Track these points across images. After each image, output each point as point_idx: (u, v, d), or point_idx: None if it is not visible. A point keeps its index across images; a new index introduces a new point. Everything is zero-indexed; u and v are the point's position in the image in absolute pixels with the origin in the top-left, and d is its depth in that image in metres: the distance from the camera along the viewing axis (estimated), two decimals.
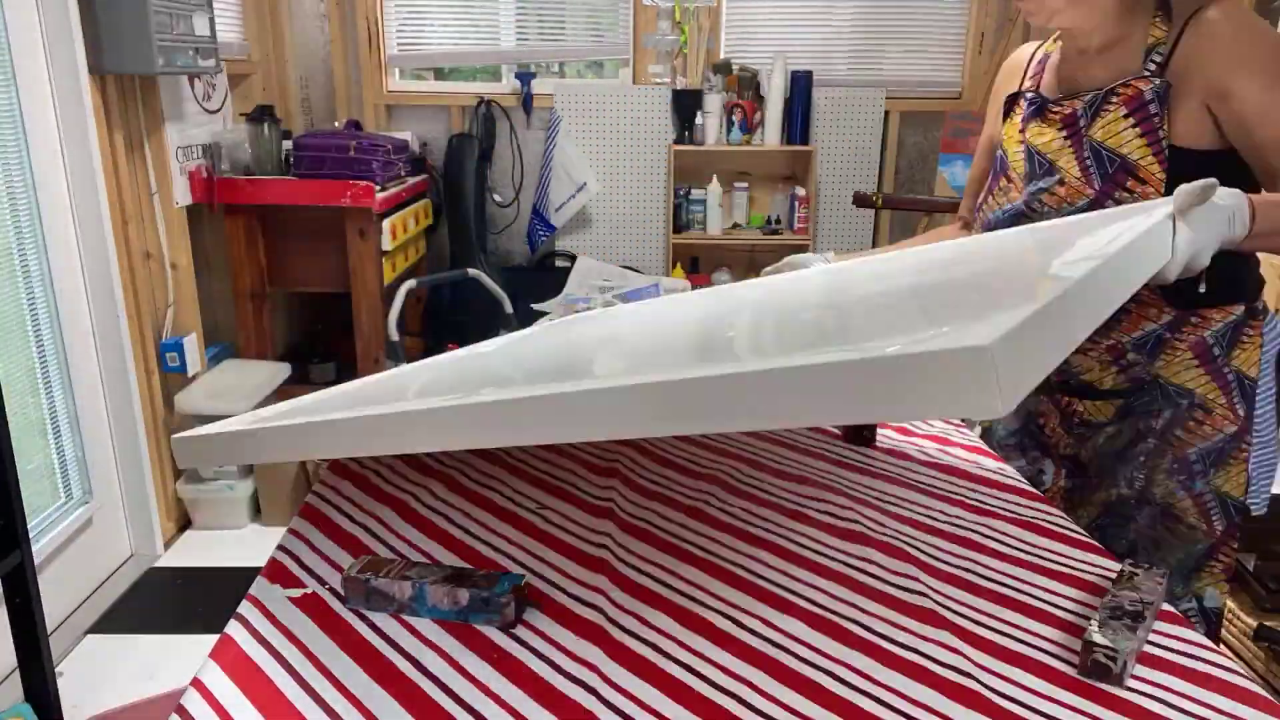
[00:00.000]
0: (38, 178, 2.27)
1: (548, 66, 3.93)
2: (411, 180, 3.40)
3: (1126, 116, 1.20)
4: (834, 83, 3.85)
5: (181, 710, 0.80)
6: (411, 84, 3.92)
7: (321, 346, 3.52)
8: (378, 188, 2.99)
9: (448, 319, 3.82)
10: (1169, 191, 1.13)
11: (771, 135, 3.71)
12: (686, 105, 3.69)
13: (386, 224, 3.11)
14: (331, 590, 0.96)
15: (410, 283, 2.87)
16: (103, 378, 2.54)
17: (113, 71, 2.43)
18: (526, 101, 3.78)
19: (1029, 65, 1.39)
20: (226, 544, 2.79)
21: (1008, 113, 1.37)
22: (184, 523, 2.87)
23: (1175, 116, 1.18)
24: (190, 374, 2.79)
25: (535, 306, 3.48)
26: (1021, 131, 1.32)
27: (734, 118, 3.71)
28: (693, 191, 3.81)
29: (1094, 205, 1.23)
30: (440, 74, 3.96)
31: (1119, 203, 1.20)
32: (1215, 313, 1.23)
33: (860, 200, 3.70)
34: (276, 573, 1.00)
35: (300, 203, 2.98)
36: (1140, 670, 0.87)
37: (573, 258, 3.82)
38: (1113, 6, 1.20)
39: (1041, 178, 1.28)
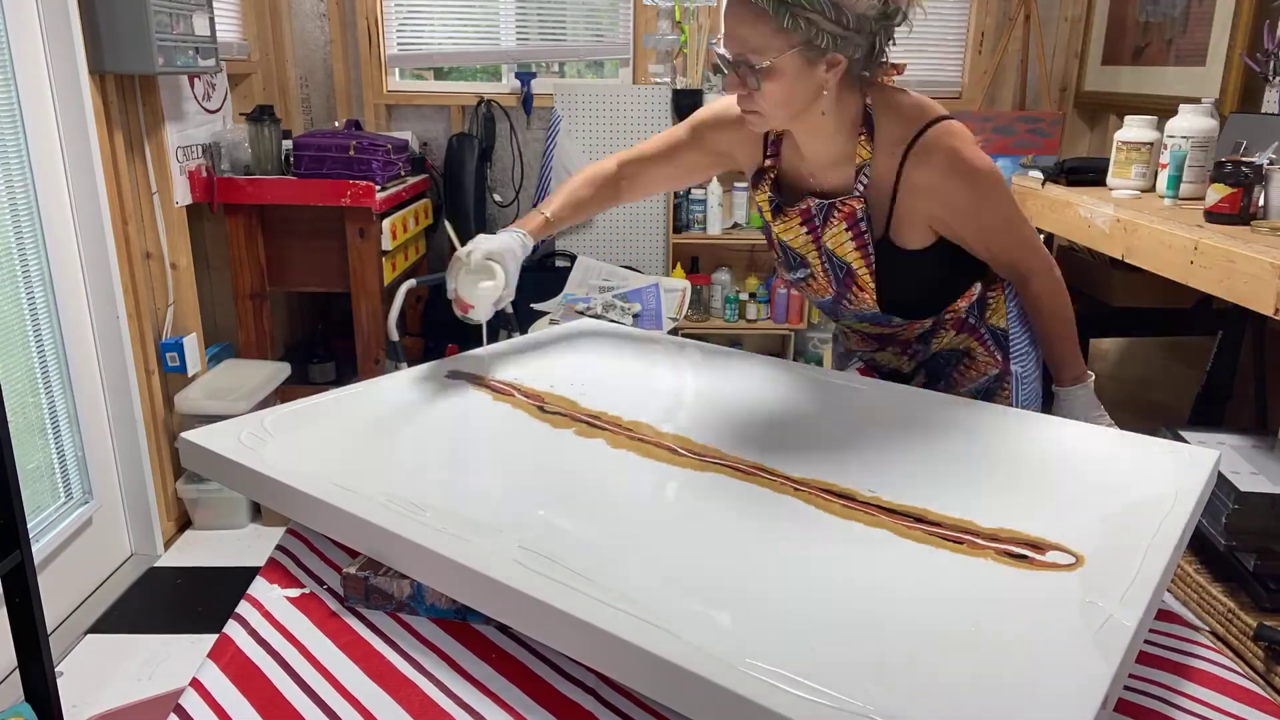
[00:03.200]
0: (38, 178, 2.27)
1: (548, 66, 3.93)
2: (411, 180, 3.40)
3: (847, 229, 1.34)
4: None
5: (180, 710, 0.80)
6: (411, 84, 3.92)
7: (321, 346, 3.52)
8: (378, 187, 2.99)
9: (448, 319, 3.81)
10: (881, 284, 1.37)
11: None
12: (686, 105, 3.69)
13: (386, 224, 3.11)
14: (330, 590, 0.96)
15: (410, 282, 2.87)
16: (103, 378, 2.54)
17: (113, 71, 2.43)
18: (526, 101, 3.78)
19: (766, 138, 1.44)
20: (226, 544, 2.79)
21: (755, 183, 1.46)
22: (184, 523, 2.87)
23: (899, 230, 1.33)
24: (190, 374, 2.79)
25: (535, 306, 3.48)
26: (772, 220, 1.44)
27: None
28: (693, 191, 3.81)
29: (836, 300, 1.44)
30: (440, 74, 3.96)
31: (850, 301, 1.42)
32: (960, 300, 1.44)
33: None
34: (275, 573, 1.00)
35: (300, 202, 2.98)
36: (1140, 670, 0.87)
37: (573, 258, 3.81)
38: (834, 124, 1.30)
39: (798, 268, 1.45)
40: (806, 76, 1.21)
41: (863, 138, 1.30)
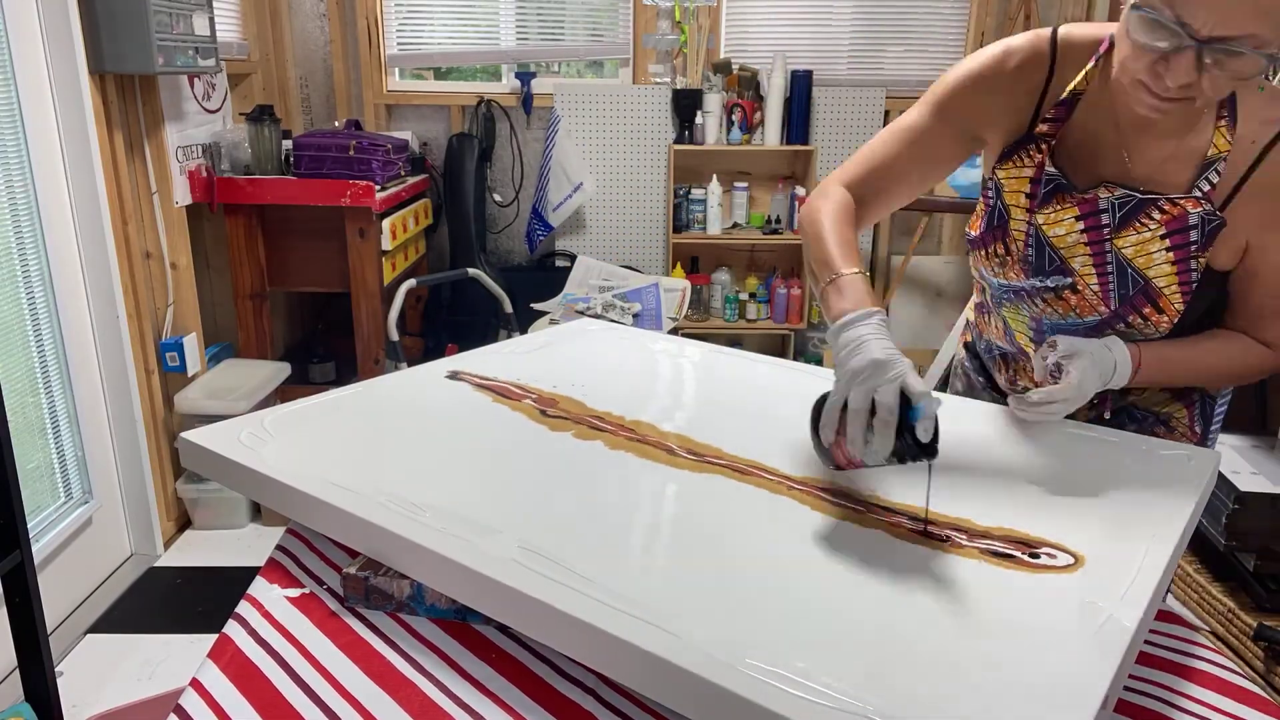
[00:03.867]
0: (38, 178, 2.27)
1: (547, 66, 3.93)
2: (411, 180, 3.40)
3: (1164, 237, 1.06)
4: (834, 82, 3.85)
5: (180, 710, 0.80)
6: (411, 84, 3.92)
7: (321, 346, 3.52)
8: (378, 187, 2.99)
9: (448, 319, 3.82)
10: (1181, 320, 1.10)
11: (771, 135, 3.71)
12: (686, 105, 3.69)
13: (386, 224, 3.11)
14: (330, 590, 0.96)
15: (410, 282, 2.87)
16: (103, 378, 2.54)
17: (113, 71, 2.43)
18: (526, 101, 3.78)
19: (1047, 87, 1.11)
20: (226, 544, 2.79)
21: (1013, 154, 1.14)
22: (184, 523, 2.87)
23: (1218, 249, 1.07)
24: (190, 374, 2.79)
25: (535, 306, 3.48)
26: (1031, 201, 1.13)
27: (734, 117, 3.70)
28: (692, 191, 3.81)
29: (1101, 325, 1.14)
30: (440, 74, 3.96)
31: (1129, 327, 1.12)
32: None
33: None
34: (275, 573, 1.00)
35: (300, 202, 2.98)
36: (1140, 670, 0.87)
37: (572, 257, 3.81)
38: (1198, 108, 1.01)
39: (1050, 274, 1.14)
40: None
41: (1223, 123, 1.03)
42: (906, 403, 0.88)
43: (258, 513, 2.91)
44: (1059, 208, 1.11)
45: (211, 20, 2.72)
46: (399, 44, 3.83)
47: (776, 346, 3.97)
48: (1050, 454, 1.10)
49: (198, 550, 2.76)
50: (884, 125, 3.89)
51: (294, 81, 3.69)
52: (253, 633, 0.89)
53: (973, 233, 1.22)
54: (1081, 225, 1.11)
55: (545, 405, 1.23)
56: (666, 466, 1.05)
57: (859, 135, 3.86)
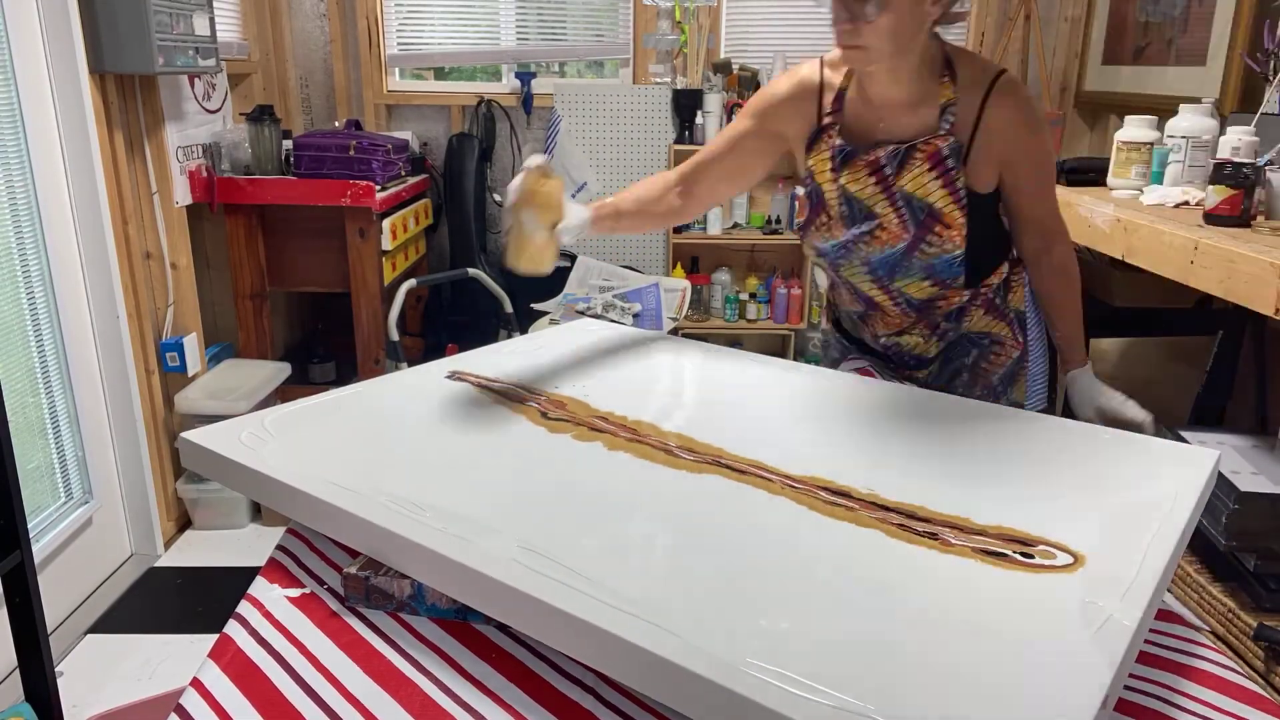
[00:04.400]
0: (38, 178, 2.27)
1: (548, 66, 3.93)
2: (411, 180, 3.40)
3: (930, 170, 1.36)
4: None
5: (180, 710, 0.80)
6: (411, 84, 3.92)
7: (321, 346, 3.52)
8: (378, 187, 2.99)
9: (448, 319, 3.82)
10: (972, 222, 1.38)
11: None
12: (687, 105, 3.69)
13: (386, 224, 3.11)
14: (330, 590, 0.96)
15: (410, 282, 2.87)
16: (103, 378, 2.54)
17: (113, 71, 2.43)
18: (526, 101, 3.78)
19: (821, 95, 1.46)
20: (226, 544, 2.79)
21: (812, 145, 1.46)
22: (184, 523, 2.87)
23: (973, 170, 1.37)
24: (190, 374, 2.79)
25: (535, 306, 3.48)
26: (834, 174, 1.43)
27: (734, 117, 3.70)
28: None
29: (909, 248, 1.41)
30: (440, 74, 3.96)
31: (929, 244, 1.40)
32: (993, 276, 1.49)
33: None
34: (275, 573, 1.00)
35: (300, 202, 2.98)
36: (1140, 670, 0.87)
37: (572, 257, 3.81)
38: (918, 66, 1.35)
39: (862, 221, 1.43)
40: (916, 11, 1.28)
41: (946, 79, 1.36)
42: None
43: (258, 513, 2.91)
44: (854, 172, 1.41)
45: (211, 20, 2.72)
46: (399, 44, 3.83)
47: (776, 346, 3.97)
48: (1050, 453, 1.10)
49: (198, 550, 2.76)
50: None
51: (294, 81, 3.69)
52: (253, 632, 0.89)
53: (801, 220, 1.53)
54: (873, 179, 1.40)
55: (551, 407, 1.23)
56: (666, 467, 1.05)
57: None
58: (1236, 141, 1.94)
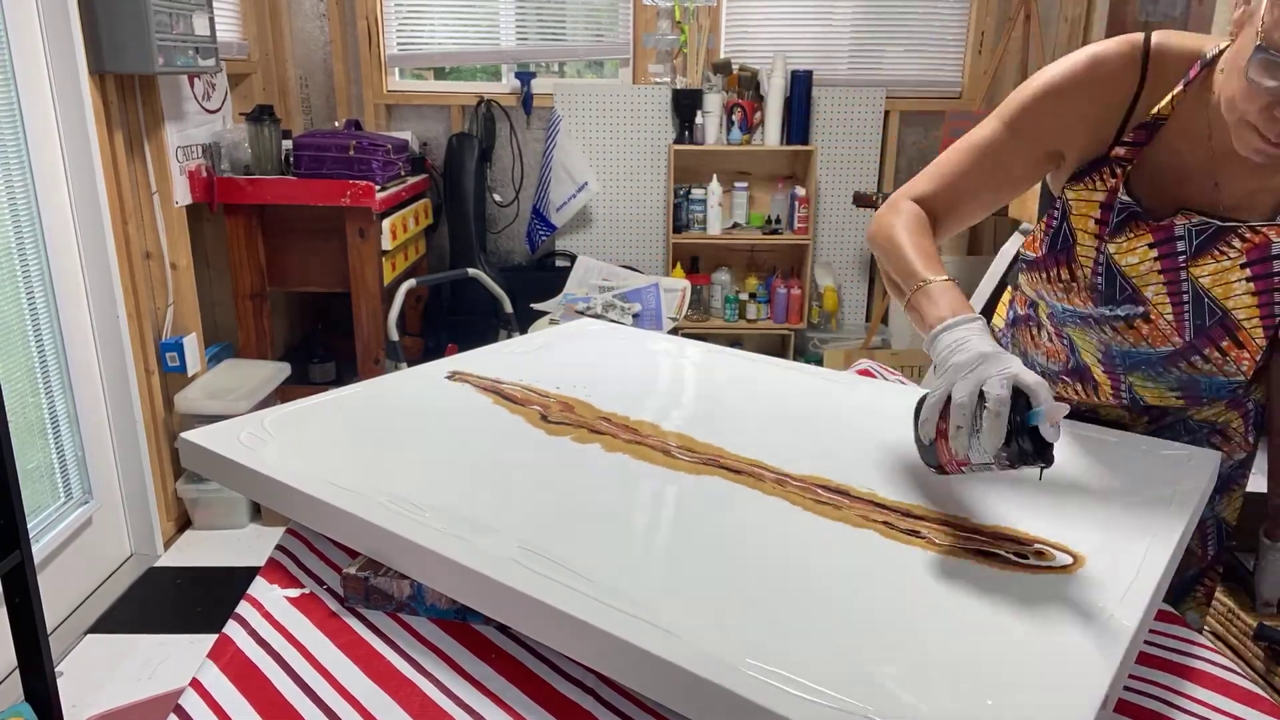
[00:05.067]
0: (38, 178, 2.27)
1: (548, 66, 3.93)
2: (411, 180, 3.40)
3: (1244, 266, 1.01)
4: (834, 83, 3.85)
5: (180, 710, 0.80)
6: (411, 84, 3.92)
7: (321, 346, 3.52)
8: (378, 187, 2.99)
9: (448, 319, 3.82)
10: (1267, 352, 1.06)
11: (771, 135, 3.71)
12: (686, 105, 3.69)
13: (386, 224, 3.11)
14: (330, 590, 0.96)
15: (410, 282, 2.87)
16: (103, 378, 2.54)
17: (113, 71, 2.43)
18: (526, 101, 3.78)
19: (1130, 116, 1.03)
20: (226, 544, 2.79)
21: (1084, 175, 1.06)
22: (184, 523, 2.87)
23: None
24: (190, 374, 2.79)
25: (535, 306, 3.48)
26: (1101, 227, 1.06)
27: (734, 117, 3.70)
28: (693, 191, 3.81)
29: (1174, 357, 1.09)
30: (440, 74, 3.96)
31: (1204, 360, 1.08)
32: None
33: (860, 200, 3.70)
34: (275, 573, 1.00)
35: (300, 202, 2.98)
36: (1140, 670, 0.87)
37: (573, 257, 3.81)
38: None
39: (1121, 303, 1.08)
40: None
41: None
42: (1021, 405, 0.83)
43: (258, 513, 2.91)
44: (1132, 235, 1.04)
45: (211, 20, 2.72)
46: (399, 44, 3.83)
47: (776, 346, 3.97)
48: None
49: (198, 550, 2.76)
50: (884, 125, 3.90)
51: (294, 81, 3.69)
52: (253, 633, 0.89)
53: (1031, 254, 1.15)
54: (1155, 253, 1.04)
55: (555, 409, 1.23)
56: (665, 468, 1.05)
57: (859, 135, 3.86)
58: None
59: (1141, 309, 1.07)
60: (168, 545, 2.76)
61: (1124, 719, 0.80)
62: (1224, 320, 1.04)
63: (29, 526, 1.67)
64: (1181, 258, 1.03)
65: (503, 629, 0.88)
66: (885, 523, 0.92)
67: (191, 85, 2.91)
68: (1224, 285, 1.02)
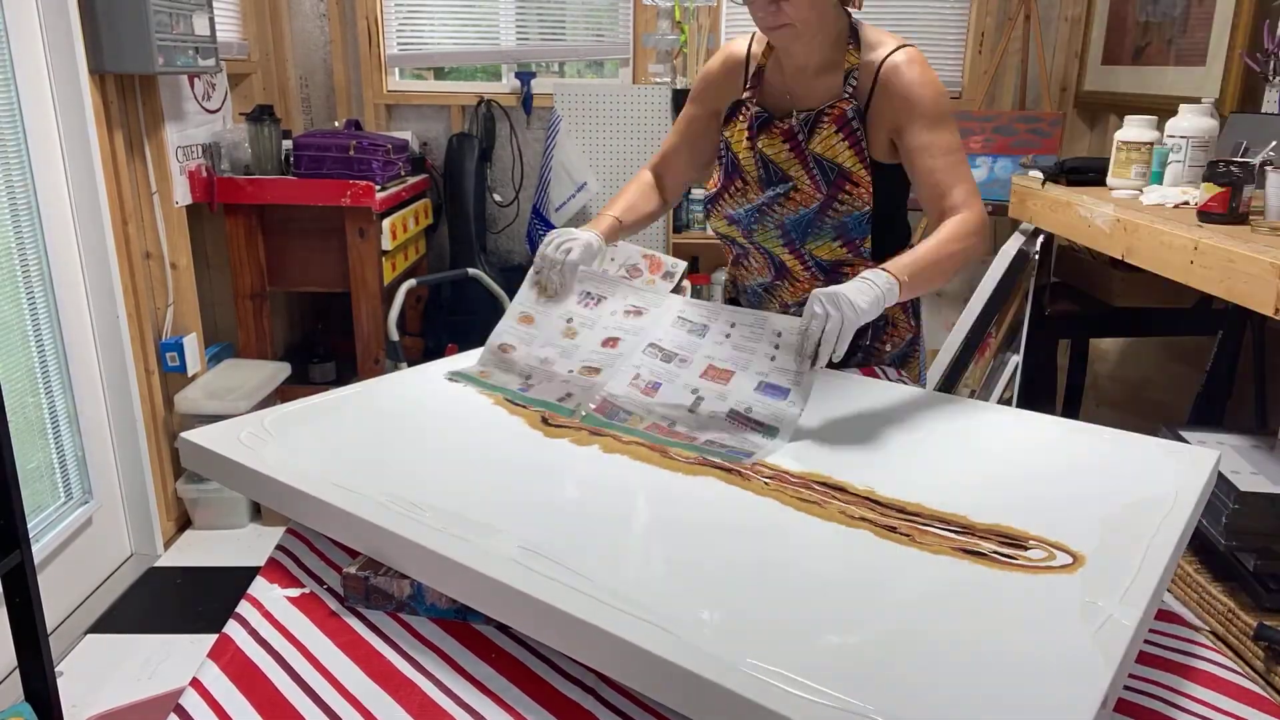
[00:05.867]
0: (38, 178, 2.27)
1: (548, 66, 3.93)
2: (411, 180, 3.40)
3: (837, 132, 1.47)
4: None
5: (180, 710, 0.80)
6: (411, 83, 3.92)
7: (321, 346, 3.52)
8: (378, 187, 2.99)
9: (448, 319, 3.82)
10: (875, 191, 1.49)
11: None
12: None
13: (386, 224, 3.11)
14: (330, 590, 0.96)
15: (410, 282, 2.87)
16: (103, 378, 2.54)
17: (113, 71, 2.43)
18: (526, 101, 3.78)
19: (747, 69, 1.58)
20: (226, 544, 2.79)
21: (730, 117, 1.58)
22: (184, 523, 2.87)
23: (871, 140, 1.47)
24: (190, 374, 2.79)
25: None
26: (751, 140, 1.54)
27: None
28: (693, 191, 3.81)
29: (822, 207, 1.51)
30: (440, 74, 3.96)
31: (840, 203, 1.50)
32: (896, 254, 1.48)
33: None
34: (275, 573, 1.00)
35: (300, 202, 2.98)
36: (1140, 670, 0.87)
37: None
38: (830, 38, 1.46)
39: (777, 184, 1.53)
40: None
41: (851, 47, 1.47)
42: None
43: (258, 513, 2.91)
44: (770, 137, 1.53)
45: (211, 20, 2.72)
46: (399, 44, 3.83)
47: None
48: (1050, 453, 1.10)
49: (198, 550, 2.76)
50: None
51: (294, 81, 3.69)
52: (253, 632, 0.89)
53: (712, 189, 1.63)
54: (788, 146, 1.51)
55: (549, 419, 1.23)
56: (663, 469, 1.05)
57: None
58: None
59: (790, 183, 1.52)
60: (168, 545, 2.76)
61: (1124, 719, 0.80)
62: (840, 171, 1.49)
63: (29, 526, 1.67)
64: (803, 141, 1.50)
65: (503, 629, 0.88)
66: (885, 525, 0.92)
67: (191, 85, 2.91)
68: (831, 149, 1.48)
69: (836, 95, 1.48)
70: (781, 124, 1.52)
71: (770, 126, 1.52)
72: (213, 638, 0.90)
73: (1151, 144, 2.32)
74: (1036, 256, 2.59)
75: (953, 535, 0.90)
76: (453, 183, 3.72)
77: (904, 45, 1.47)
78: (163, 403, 2.73)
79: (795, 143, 1.50)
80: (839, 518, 0.93)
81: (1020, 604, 0.78)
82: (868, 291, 1.22)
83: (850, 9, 1.48)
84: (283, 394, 2.96)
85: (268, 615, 0.92)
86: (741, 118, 1.56)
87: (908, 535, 0.90)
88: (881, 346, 1.65)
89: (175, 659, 2.24)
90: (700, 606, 0.78)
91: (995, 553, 0.86)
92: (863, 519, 0.93)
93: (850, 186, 1.49)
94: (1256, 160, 1.88)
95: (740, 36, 1.61)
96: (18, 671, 1.72)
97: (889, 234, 1.55)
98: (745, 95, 1.57)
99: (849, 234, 1.52)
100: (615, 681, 0.80)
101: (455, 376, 1.34)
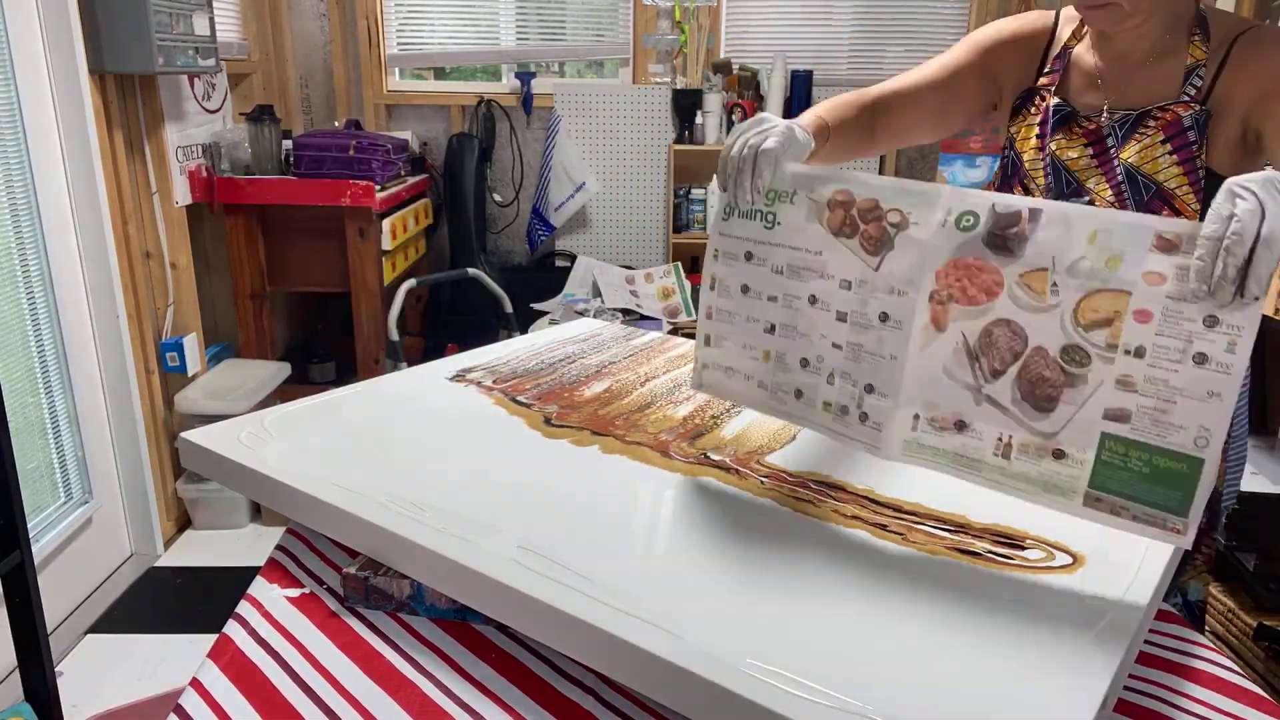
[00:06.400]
0: (38, 178, 2.27)
1: (548, 66, 3.93)
2: (411, 180, 3.40)
3: (1164, 142, 1.16)
4: (834, 82, 3.85)
5: (180, 710, 0.80)
6: (411, 83, 3.92)
7: (321, 346, 3.52)
8: (378, 187, 2.99)
9: (448, 319, 3.82)
10: (1202, 218, 1.10)
11: None
12: (686, 105, 3.69)
13: (386, 224, 3.11)
14: (330, 590, 0.96)
15: (410, 282, 2.87)
16: (103, 378, 2.54)
17: (113, 71, 2.43)
18: (526, 101, 3.78)
19: (1049, 47, 1.28)
20: (226, 544, 2.79)
21: (1021, 108, 1.29)
22: (184, 523, 2.87)
23: (1214, 143, 1.15)
24: (190, 374, 2.79)
25: (535, 306, 3.48)
26: (1041, 139, 1.25)
27: (734, 117, 3.70)
28: (693, 191, 3.81)
29: None
30: (440, 73, 3.96)
31: None
32: None
33: None
34: (275, 573, 1.00)
35: (300, 202, 2.98)
36: (1140, 670, 0.87)
37: (573, 257, 3.81)
38: (1164, 20, 1.16)
39: (1069, 197, 1.24)
40: None
41: (1196, 38, 1.16)
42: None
43: (258, 513, 2.91)
44: (1069, 137, 1.23)
45: (211, 20, 2.72)
46: (399, 44, 3.83)
47: None
48: None
49: (198, 550, 2.76)
50: None
51: (294, 81, 3.69)
52: (253, 633, 0.89)
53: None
54: (1090, 150, 1.22)
55: (561, 411, 1.23)
56: (662, 470, 1.05)
57: None
58: None
59: (1086, 198, 1.22)
60: (168, 545, 2.76)
61: (1124, 719, 0.80)
62: (1159, 192, 1.18)
63: (29, 526, 1.67)
64: (1111, 149, 1.20)
65: (503, 629, 0.88)
66: (875, 523, 0.92)
67: (191, 85, 2.91)
68: (1151, 162, 1.17)
69: (1172, 96, 1.16)
70: (1088, 122, 1.22)
71: (1072, 124, 1.23)
72: (213, 638, 0.90)
73: None
74: None
75: (947, 534, 0.90)
76: (453, 183, 3.72)
77: (1256, 25, 1.16)
78: (163, 403, 2.73)
79: (1102, 148, 1.20)
80: (833, 517, 0.93)
81: (1020, 604, 0.78)
82: None
83: None
84: (283, 394, 2.96)
85: (267, 615, 0.92)
86: (1034, 110, 1.26)
87: (899, 534, 0.90)
88: None
89: (175, 659, 2.24)
90: (700, 606, 0.78)
91: (990, 552, 0.86)
92: (855, 517, 0.93)
93: (1167, 212, 1.17)
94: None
95: (1047, 10, 1.30)
96: (18, 671, 1.72)
97: None
98: (1042, 81, 1.26)
99: None
100: (615, 681, 0.80)
101: (456, 376, 1.34)
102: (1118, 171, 1.19)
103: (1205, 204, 1.15)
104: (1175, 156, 1.16)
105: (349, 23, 3.73)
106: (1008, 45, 1.29)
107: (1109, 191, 1.20)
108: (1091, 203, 1.21)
